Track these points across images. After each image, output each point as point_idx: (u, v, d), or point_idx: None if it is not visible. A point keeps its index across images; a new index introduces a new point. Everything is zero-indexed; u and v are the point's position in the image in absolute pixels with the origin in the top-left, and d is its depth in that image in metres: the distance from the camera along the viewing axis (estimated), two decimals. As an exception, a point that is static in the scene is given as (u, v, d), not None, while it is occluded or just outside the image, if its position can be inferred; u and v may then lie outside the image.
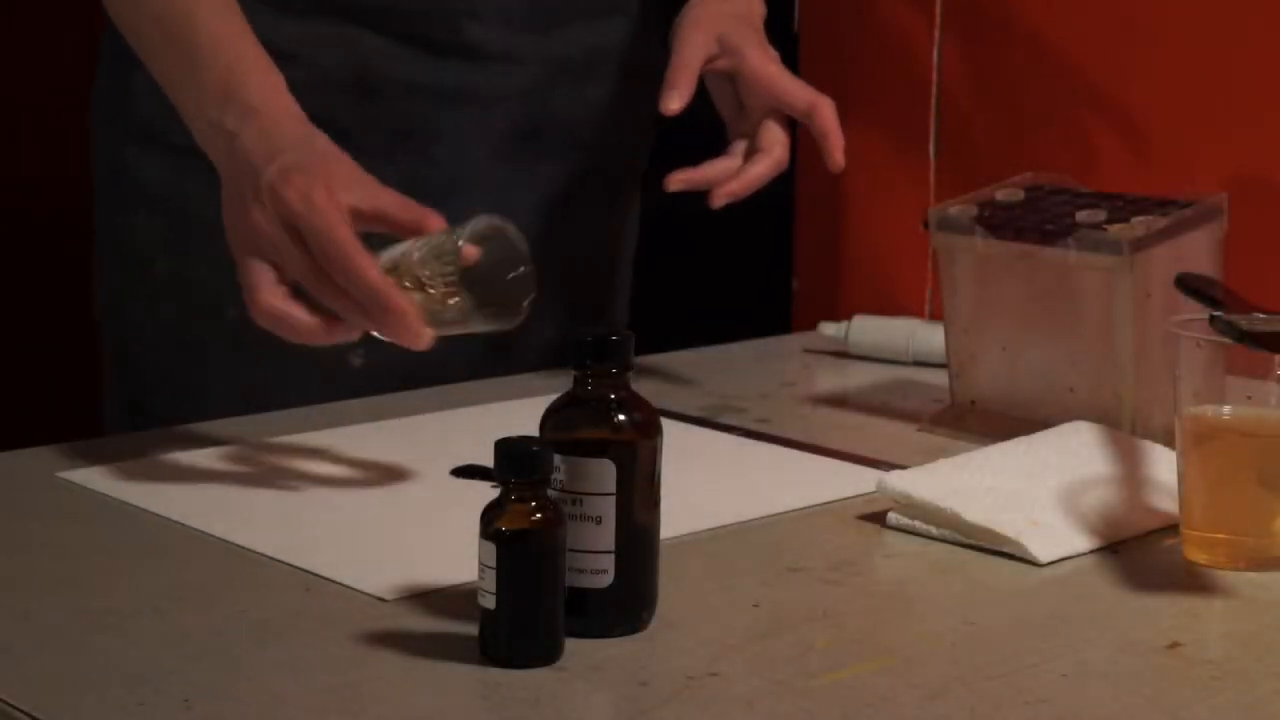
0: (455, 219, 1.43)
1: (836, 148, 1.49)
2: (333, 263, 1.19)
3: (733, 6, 1.55)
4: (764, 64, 1.51)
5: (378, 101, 1.52)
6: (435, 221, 1.22)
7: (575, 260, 1.63)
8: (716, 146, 1.60)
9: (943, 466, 1.26)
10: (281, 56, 1.45)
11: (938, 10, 1.82)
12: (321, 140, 1.28)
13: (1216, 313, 1.15)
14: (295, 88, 1.45)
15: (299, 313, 1.22)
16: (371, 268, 1.19)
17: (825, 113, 1.49)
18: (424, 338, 1.20)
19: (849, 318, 1.73)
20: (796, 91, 1.51)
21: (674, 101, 1.48)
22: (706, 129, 1.66)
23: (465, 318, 1.23)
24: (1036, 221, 1.41)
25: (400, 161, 1.50)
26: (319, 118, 1.45)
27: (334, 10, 1.49)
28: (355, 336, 1.23)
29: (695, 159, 1.59)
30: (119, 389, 1.62)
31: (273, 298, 1.22)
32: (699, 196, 1.58)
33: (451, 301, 1.22)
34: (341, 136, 1.47)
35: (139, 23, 1.36)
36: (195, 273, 1.54)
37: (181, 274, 1.55)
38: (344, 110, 1.49)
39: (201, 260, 1.53)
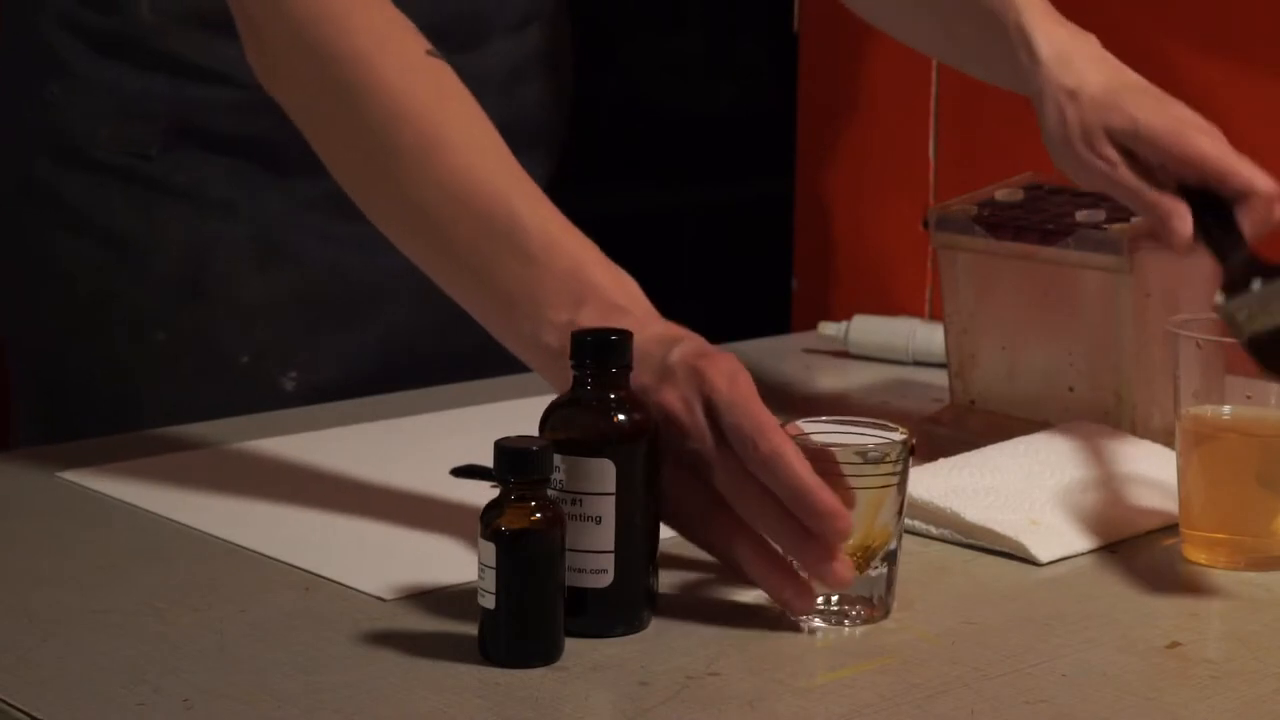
0: (383, 240, 1.41)
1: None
2: (754, 445, 0.99)
3: (1104, 75, 1.30)
4: (1167, 125, 1.25)
5: None
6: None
7: None
8: (638, 125, 1.59)
9: (943, 466, 1.26)
10: (214, 77, 1.45)
11: (938, 10, 1.82)
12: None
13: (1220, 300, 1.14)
14: (227, 108, 1.45)
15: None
16: (798, 457, 0.99)
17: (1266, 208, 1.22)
18: (845, 570, 1.01)
19: (849, 318, 1.73)
20: (1238, 170, 1.23)
21: (1184, 231, 1.23)
22: (624, 109, 1.64)
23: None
24: (1036, 221, 1.41)
25: (327, 175, 1.33)
26: (248, 136, 1.45)
27: None
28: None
29: (622, 140, 1.58)
30: (33, 403, 1.58)
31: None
32: (696, 195, 1.59)
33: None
34: (268, 153, 1.46)
35: (435, 208, 1.14)
36: (121, 294, 1.51)
37: (106, 295, 1.51)
38: (271, 128, 1.38)
39: (128, 281, 1.50)
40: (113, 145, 1.49)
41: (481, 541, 0.97)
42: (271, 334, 1.52)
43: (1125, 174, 1.25)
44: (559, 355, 1.06)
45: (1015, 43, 1.31)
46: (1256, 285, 1.13)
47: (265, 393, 1.51)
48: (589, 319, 1.07)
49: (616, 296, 1.09)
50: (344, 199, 1.25)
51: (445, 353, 1.56)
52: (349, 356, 1.54)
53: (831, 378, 1.68)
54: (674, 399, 1.03)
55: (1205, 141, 1.23)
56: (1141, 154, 1.26)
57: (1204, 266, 1.40)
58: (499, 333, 1.13)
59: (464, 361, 1.55)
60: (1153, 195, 1.24)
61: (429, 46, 1.19)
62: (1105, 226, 1.37)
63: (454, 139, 1.15)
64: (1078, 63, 1.29)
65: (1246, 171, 1.22)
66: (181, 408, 1.47)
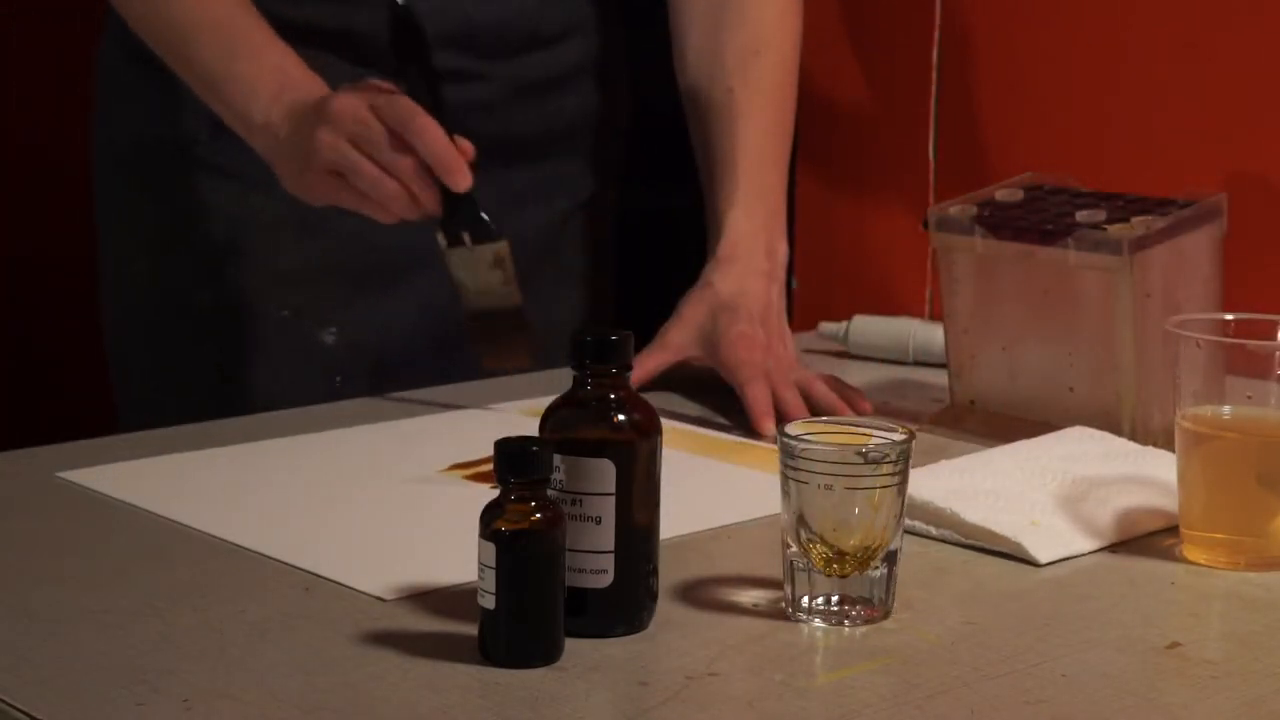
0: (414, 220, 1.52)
1: (757, 420, 1.46)
2: (408, 120, 1.38)
3: (728, 287, 1.55)
4: (728, 354, 1.51)
5: None
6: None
7: (546, 258, 1.68)
8: (636, 126, 1.68)
9: (943, 468, 1.26)
10: None
11: (937, 10, 1.82)
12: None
13: None
14: None
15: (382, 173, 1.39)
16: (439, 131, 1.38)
17: (745, 393, 1.48)
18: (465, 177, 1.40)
19: (849, 318, 1.73)
20: (734, 372, 1.50)
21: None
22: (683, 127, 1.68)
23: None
24: (1036, 221, 1.41)
25: None
26: None
27: (298, 35, 1.55)
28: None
29: (675, 154, 1.64)
30: (114, 381, 1.69)
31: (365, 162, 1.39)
32: (695, 196, 1.62)
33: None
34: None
35: (180, 28, 1.50)
36: (168, 264, 1.63)
37: (155, 266, 1.64)
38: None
39: (178, 246, 1.63)
40: (172, 133, 1.64)
41: (481, 541, 0.97)
42: (308, 295, 1.61)
43: (655, 361, 1.54)
44: (262, 128, 1.45)
45: (711, 216, 1.60)
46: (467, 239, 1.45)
47: (306, 347, 1.60)
48: (287, 99, 1.44)
49: (312, 89, 1.45)
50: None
51: None
52: (385, 320, 1.63)
53: (831, 378, 1.67)
54: (352, 104, 1.39)
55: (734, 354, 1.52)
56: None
57: (1204, 267, 1.40)
58: (226, 117, 1.48)
59: None
60: (637, 374, 1.46)
61: None
62: (1105, 226, 1.37)
63: None
64: (733, 269, 1.56)
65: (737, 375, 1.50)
66: (227, 359, 1.60)
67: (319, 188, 1.43)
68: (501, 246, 1.45)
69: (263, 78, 1.46)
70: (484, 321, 1.47)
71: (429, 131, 1.38)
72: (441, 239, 1.45)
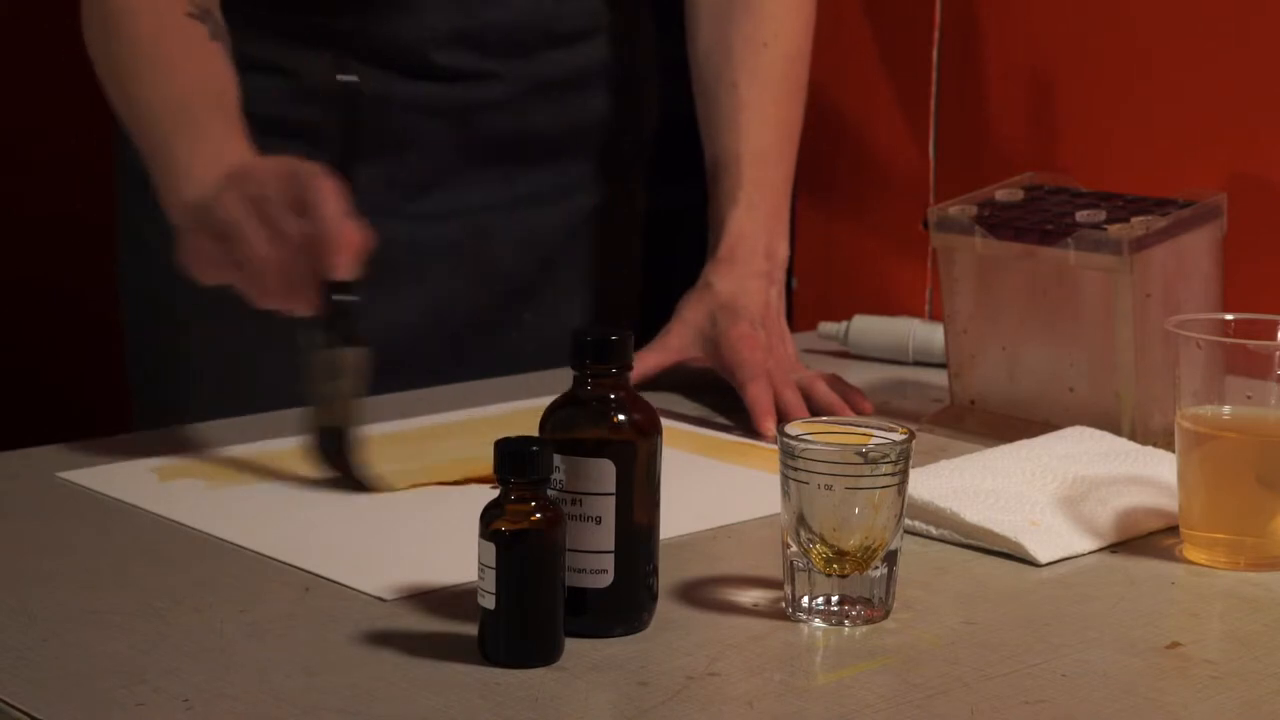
0: (428, 216, 1.57)
1: (758, 420, 1.45)
2: (309, 180, 1.23)
3: (727, 288, 1.55)
4: (729, 354, 1.51)
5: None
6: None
7: (563, 260, 1.68)
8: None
9: (943, 468, 1.26)
10: (266, 69, 1.56)
11: (937, 10, 1.82)
12: None
13: None
14: (277, 96, 1.56)
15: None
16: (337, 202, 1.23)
17: (747, 392, 1.47)
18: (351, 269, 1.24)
19: (849, 318, 1.73)
20: (735, 372, 1.50)
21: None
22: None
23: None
24: (1036, 221, 1.41)
25: (376, 162, 1.56)
26: (299, 123, 1.56)
27: (312, 35, 1.55)
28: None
29: (697, 159, 1.63)
30: (129, 370, 1.69)
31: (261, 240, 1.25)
32: (695, 195, 1.62)
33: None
34: (319, 140, 1.57)
35: (133, 101, 1.40)
36: (170, 247, 1.62)
37: (169, 255, 1.62)
38: (316, 117, 1.53)
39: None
40: None
41: (481, 541, 0.97)
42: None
43: (654, 360, 1.54)
44: (195, 204, 1.29)
45: (712, 214, 1.59)
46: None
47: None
48: (218, 172, 1.29)
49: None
50: (386, 183, 1.53)
51: (480, 320, 1.65)
52: (392, 316, 1.61)
53: (831, 378, 1.67)
54: (262, 165, 1.28)
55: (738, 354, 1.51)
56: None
57: (1204, 266, 1.40)
58: (160, 190, 1.36)
59: (495, 329, 1.65)
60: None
61: (191, 9, 1.42)
62: (1105, 226, 1.37)
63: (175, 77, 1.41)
64: (731, 270, 1.55)
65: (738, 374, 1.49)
66: (227, 348, 1.58)
67: (200, 255, 1.29)
68: (358, 354, 1.26)
69: (197, 161, 1.33)
70: (321, 437, 1.28)
71: (330, 199, 1.23)
72: (306, 338, 1.27)
